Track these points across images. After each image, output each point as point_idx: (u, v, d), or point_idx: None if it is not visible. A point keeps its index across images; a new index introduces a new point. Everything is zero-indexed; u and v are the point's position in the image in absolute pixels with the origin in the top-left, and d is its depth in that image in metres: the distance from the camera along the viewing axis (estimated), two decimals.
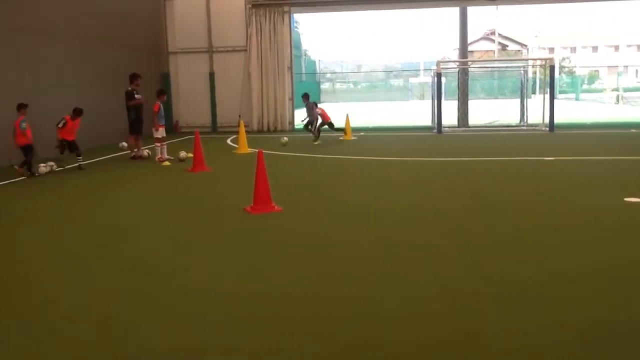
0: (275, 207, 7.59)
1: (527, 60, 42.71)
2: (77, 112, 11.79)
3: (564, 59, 69.27)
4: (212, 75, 20.88)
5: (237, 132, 15.11)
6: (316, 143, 15.69)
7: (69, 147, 11.76)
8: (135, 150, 13.41)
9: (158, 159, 12.79)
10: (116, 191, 9.57)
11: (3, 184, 10.15)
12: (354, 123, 18.79)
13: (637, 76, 69.31)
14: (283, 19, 20.40)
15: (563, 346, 3.55)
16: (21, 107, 10.90)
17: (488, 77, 40.36)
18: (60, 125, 11.56)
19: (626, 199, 7.68)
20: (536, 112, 20.01)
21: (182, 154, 12.77)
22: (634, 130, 17.87)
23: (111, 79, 15.92)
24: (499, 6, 30.59)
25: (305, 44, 53.72)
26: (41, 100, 12.52)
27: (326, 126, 16.69)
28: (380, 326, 3.89)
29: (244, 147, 14.32)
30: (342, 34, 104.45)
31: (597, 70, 66.51)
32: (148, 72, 17.70)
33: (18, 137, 10.77)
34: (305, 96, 16.67)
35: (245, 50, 20.55)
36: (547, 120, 18.76)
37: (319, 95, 48.22)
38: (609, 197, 7.93)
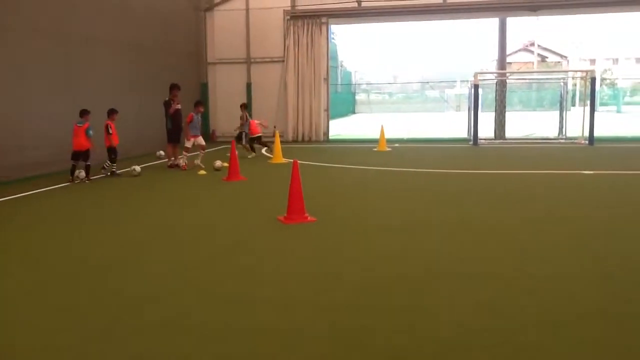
0: (309, 217, 7.65)
1: (567, 72, 42.02)
2: (112, 112, 12.40)
3: (605, 70, 67.83)
4: (249, 86, 21.17)
5: (272, 142, 15.26)
6: (250, 157, 15.35)
7: (111, 153, 12.22)
8: (172, 159, 13.68)
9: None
10: (157, 195, 9.80)
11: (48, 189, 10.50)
12: (389, 134, 18.75)
13: None
14: (320, 30, 20.57)
15: None
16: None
17: (526, 89, 39.81)
18: (110, 132, 12.08)
19: None
20: (575, 124, 19.63)
21: (218, 163, 12.97)
22: None
23: (151, 88, 16.28)
24: (539, 17, 30.11)
25: (342, 55, 53.96)
26: (87, 105, 12.92)
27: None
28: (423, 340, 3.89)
29: (278, 157, 14.46)
30: (380, 45, 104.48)
31: None
32: (187, 82, 18.11)
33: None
34: (243, 106, 16.34)
35: (283, 61, 20.78)
36: (586, 133, 18.39)
37: (355, 106, 48.37)
38: None
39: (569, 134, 20.02)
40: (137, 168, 12.43)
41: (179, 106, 13.74)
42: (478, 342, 3.82)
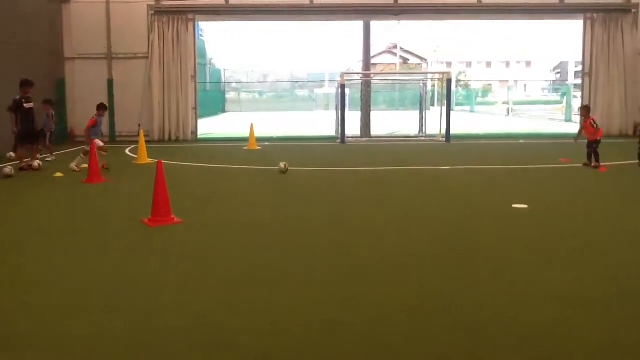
0: (175, 219, 7.41)
1: (426, 73, 44.64)
2: None
3: (460, 73, 73.01)
4: (110, 82, 20.09)
5: (137, 142, 14.61)
6: (50, 159, 13.99)
7: None
8: (26, 160, 12.64)
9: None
10: (6, 199, 8.96)
11: None
12: (259, 133, 18.74)
13: (525, 90, 74.21)
14: (187, 27, 20.03)
15: None
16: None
17: (390, 90, 41.70)
18: None
19: (514, 206, 8.18)
20: (434, 123, 20.89)
21: (75, 163, 12.22)
22: (522, 141, 19.10)
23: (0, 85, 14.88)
24: (401, 21, 31.79)
25: (211, 53, 53.07)
26: None
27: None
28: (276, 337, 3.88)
29: (143, 158, 13.87)
30: (249, 44, 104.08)
31: (490, 85, 70.69)
32: (42, 78, 16.72)
33: None
34: (48, 102, 14.50)
35: (147, 57, 19.97)
36: (444, 131, 19.64)
37: (225, 105, 47.80)
38: (498, 204, 8.40)
39: (428, 132, 21.25)
40: (8, 169, 11.44)
41: (31, 104, 12.69)
42: (341, 336, 3.90)
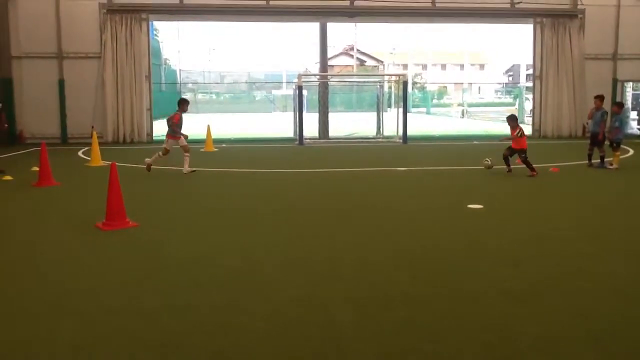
0: (130, 223, 7.24)
1: (383, 75, 45.09)
2: None
3: (416, 75, 74.00)
4: (61, 82, 19.54)
5: (89, 144, 14.23)
6: None
7: None
8: None
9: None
10: None
11: None
12: (216, 134, 18.55)
13: (479, 93, 75.75)
14: (140, 26, 19.65)
15: None
16: None
17: (347, 91, 41.90)
18: None
19: (469, 206, 8.32)
20: (391, 124, 21.09)
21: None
22: (475, 142, 19.49)
23: None
24: (357, 23, 32.05)
25: (166, 53, 52.32)
26: None
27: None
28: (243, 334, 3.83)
29: (97, 160, 13.52)
30: (206, 44, 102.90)
31: (446, 87, 71.91)
32: None
33: None
34: None
35: (100, 57, 19.50)
36: (400, 132, 19.86)
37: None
38: (453, 204, 8.52)
39: (386, 133, 21.45)
40: None
41: None
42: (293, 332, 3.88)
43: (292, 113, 22.75)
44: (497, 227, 7.23)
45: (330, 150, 17.61)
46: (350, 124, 26.15)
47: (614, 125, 12.60)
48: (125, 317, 4.29)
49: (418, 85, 67.56)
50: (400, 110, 20.03)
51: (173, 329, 4.07)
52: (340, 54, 69.02)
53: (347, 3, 20.23)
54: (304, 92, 22.00)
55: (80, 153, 15.84)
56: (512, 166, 11.76)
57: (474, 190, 9.91)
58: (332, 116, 22.03)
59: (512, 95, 53.25)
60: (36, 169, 11.37)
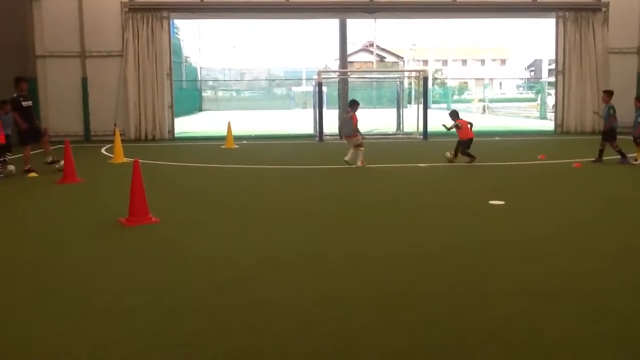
0: (153, 219, 7.33)
1: (403, 71, 44.86)
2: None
3: (436, 70, 73.51)
4: (84, 81, 19.80)
5: (112, 141, 14.42)
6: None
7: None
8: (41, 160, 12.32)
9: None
10: None
11: None
12: (236, 131, 18.64)
13: (501, 88, 75.05)
14: (162, 25, 19.83)
15: None
16: None
17: (367, 87, 41.76)
18: None
19: (490, 202, 8.27)
20: (411, 120, 20.99)
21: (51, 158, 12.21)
22: (497, 138, 19.31)
23: None
24: (377, 19, 31.86)
25: (187, 51, 52.67)
26: None
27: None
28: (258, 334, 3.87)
29: (119, 157, 13.70)
30: (226, 42, 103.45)
31: (466, 82, 71.30)
32: (11, 77, 16.39)
33: None
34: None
35: (122, 55, 19.72)
36: (421, 128, 19.75)
37: (201, 103, 47.46)
38: (475, 201, 8.48)
39: (406, 130, 21.36)
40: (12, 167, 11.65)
41: (29, 102, 12.31)
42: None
43: (312, 110, 22.77)
44: (519, 223, 7.17)
45: None
46: (370, 120, 26.06)
47: (638, 120, 12.32)
48: (146, 316, 4.36)
49: (438, 81, 67.09)
50: (421, 106, 19.91)
51: (193, 329, 4.11)
52: (360, 50, 68.79)
53: None
54: (324, 88, 21.99)
55: (103, 150, 16.06)
56: (535, 161, 11.68)
57: (495, 187, 9.83)
58: None
59: (534, 91, 52.58)
60: (62, 163, 11.36)
